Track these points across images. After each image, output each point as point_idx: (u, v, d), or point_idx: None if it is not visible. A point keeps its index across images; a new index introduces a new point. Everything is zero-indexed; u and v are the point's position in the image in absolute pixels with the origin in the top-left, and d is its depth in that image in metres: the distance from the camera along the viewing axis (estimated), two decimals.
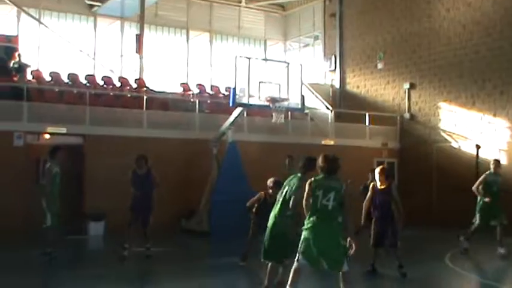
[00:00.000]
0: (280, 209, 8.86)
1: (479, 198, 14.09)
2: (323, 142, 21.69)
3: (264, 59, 21.25)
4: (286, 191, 8.85)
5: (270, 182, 11.26)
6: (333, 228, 7.93)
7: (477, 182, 14.13)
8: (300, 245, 7.93)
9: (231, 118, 17.51)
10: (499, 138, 20.31)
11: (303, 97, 16.83)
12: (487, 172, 14.26)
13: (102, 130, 17.79)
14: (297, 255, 7.97)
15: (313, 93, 25.28)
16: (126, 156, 17.51)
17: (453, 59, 21.92)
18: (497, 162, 14.37)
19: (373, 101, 25.12)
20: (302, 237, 7.93)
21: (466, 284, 11.21)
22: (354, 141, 22.59)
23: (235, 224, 14.98)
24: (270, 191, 11.15)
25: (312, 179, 8.07)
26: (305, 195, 7.99)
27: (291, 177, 9.03)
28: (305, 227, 7.93)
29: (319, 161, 8.20)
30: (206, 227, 17.26)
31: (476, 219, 14.02)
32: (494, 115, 20.51)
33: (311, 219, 7.91)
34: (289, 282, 7.93)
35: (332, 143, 21.93)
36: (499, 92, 20.37)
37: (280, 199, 8.91)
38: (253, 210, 11.82)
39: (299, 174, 8.89)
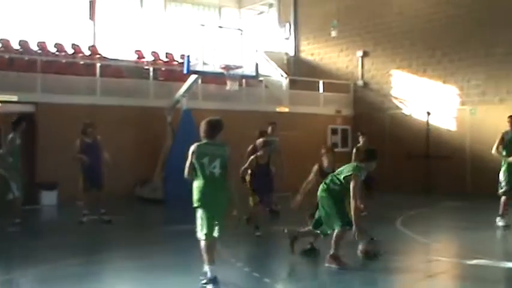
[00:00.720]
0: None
1: (503, 161, 12.87)
2: (277, 109, 21.85)
3: (218, 26, 21.13)
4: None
5: (259, 143, 11.54)
6: (223, 195, 7.82)
7: (496, 144, 12.84)
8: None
9: (185, 86, 17.51)
10: (448, 105, 20.74)
11: (257, 64, 16.90)
12: (503, 131, 12.88)
13: (55, 98, 17.56)
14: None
15: (267, 61, 25.34)
16: (79, 124, 17.48)
17: (406, 27, 22.21)
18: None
19: (327, 69, 25.32)
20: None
21: (413, 245, 11.53)
22: (308, 109, 22.82)
23: (189, 192, 15.10)
24: (261, 152, 11.43)
25: (195, 145, 7.81)
26: (187, 163, 7.81)
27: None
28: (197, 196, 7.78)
29: (201, 126, 7.93)
30: (160, 194, 17.34)
31: (503, 186, 12.82)
32: (444, 82, 20.93)
33: (201, 187, 7.77)
34: None
35: (286, 110, 22.12)
36: (448, 60, 20.78)
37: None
38: (247, 179, 11.66)
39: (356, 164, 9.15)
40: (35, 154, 17.24)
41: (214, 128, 7.91)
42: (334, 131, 23.61)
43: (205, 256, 7.70)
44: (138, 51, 24.34)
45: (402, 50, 22.36)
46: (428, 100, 21.40)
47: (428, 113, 21.13)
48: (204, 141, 7.85)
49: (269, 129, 14.53)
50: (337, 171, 9.16)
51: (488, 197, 16.47)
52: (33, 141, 17.09)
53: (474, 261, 9.34)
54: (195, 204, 7.79)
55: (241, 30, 17.07)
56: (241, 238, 11.22)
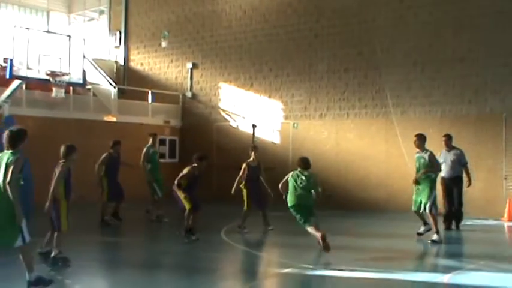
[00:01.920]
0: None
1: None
2: (105, 118, 21.57)
3: (44, 31, 20.49)
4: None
5: (196, 157, 12.71)
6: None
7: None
8: None
9: (8, 91, 16.73)
10: (273, 118, 21.60)
11: (84, 72, 16.53)
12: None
13: None
14: None
15: (96, 69, 24.91)
16: None
17: (234, 42, 22.87)
18: None
19: (156, 79, 25.41)
20: None
21: (235, 255, 11.92)
22: (137, 118, 22.74)
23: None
24: (196, 165, 12.60)
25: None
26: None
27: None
28: None
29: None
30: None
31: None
32: (270, 97, 21.78)
33: None
34: None
35: (114, 119, 21.90)
36: (274, 76, 21.67)
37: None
38: (182, 186, 12.58)
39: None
40: None
41: (15, 137, 7.88)
42: (162, 142, 23.60)
43: None
44: None
45: (230, 64, 22.99)
46: (254, 113, 22.14)
47: (254, 126, 21.84)
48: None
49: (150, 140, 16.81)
50: None
51: None
52: None
53: (287, 270, 9.87)
54: None
55: (70, 36, 16.67)
56: None
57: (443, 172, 14.44)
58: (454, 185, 14.65)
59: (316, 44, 20.65)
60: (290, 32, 21.27)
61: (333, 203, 18.44)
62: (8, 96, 16.81)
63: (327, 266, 10.24)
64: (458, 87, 17.86)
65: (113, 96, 22.97)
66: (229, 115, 23.04)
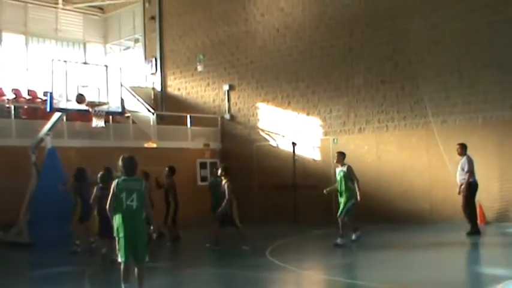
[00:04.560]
0: None
1: None
2: (145, 145, 21.75)
3: (82, 62, 20.88)
4: None
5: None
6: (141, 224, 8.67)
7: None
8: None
9: (49, 124, 17.06)
10: (312, 135, 21.52)
11: (122, 100, 16.73)
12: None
13: None
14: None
15: (134, 96, 25.17)
16: None
17: (269, 61, 22.91)
18: None
19: (194, 103, 25.58)
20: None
21: (284, 275, 11.81)
22: (177, 143, 22.86)
23: (57, 233, 14.69)
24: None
25: (116, 182, 8.58)
26: (109, 198, 8.56)
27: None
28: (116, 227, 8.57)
29: (119, 163, 8.70)
30: (26, 238, 16.64)
31: None
32: (308, 114, 21.71)
33: (119, 219, 8.52)
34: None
35: (154, 145, 22.05)
36: (311, 92, 21.60)
37: None
38: None
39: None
40: None
41: (130, 164, 8.72)
42: (203, 165, 23.75)
43: (122, 276, 8.54)
44: None
45: (266, 83, 23.01)
46: (293, 131, 22.09)
47: (294, 144, 21.78)
48: (122, 177, 8.63)
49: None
50: None
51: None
52: None
53: None
54: (115, 234, 8.57)
55: (107, 66, 16.93)
56: None
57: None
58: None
59: (351, 58, 20.55)
60: (324, 48, 21.22)
61: (376, 216, 18.28)
62: (50, 129, 17.13)
63: (380, 283, 10.03)
64: (498, 92, 17.52)
65: (152, 123, 23.15)
66: (268, 134, 23.03)
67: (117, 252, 8.57)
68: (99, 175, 13.69)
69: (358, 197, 14.24)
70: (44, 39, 29.02)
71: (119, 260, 8.56)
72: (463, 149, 15.09)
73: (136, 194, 8.51)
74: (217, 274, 12.00)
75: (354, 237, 14.46)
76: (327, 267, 12.36)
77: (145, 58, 27.98)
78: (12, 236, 17.01)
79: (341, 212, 14.23)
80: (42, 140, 17.40)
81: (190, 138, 23.73)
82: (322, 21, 21.36)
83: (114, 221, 8.60)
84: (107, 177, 13.29)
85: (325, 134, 21.27)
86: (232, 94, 24.33)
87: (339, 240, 13.93)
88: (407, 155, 19.21)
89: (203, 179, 23.61)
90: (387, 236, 16.32)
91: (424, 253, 12.97)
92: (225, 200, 14.23)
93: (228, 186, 14.25)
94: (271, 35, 22.94)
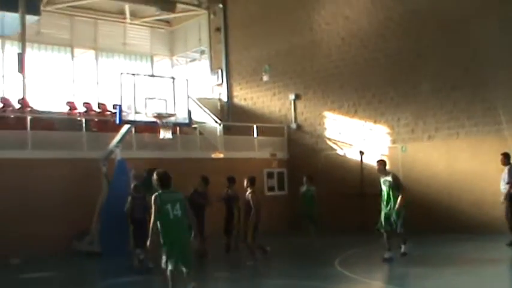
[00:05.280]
0: None
1: None
2: (213, 156, 21.89)
3: (149, 75, 21.22)
4: None
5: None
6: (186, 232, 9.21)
7: None
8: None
9: (119, 136, 17.37)
10: (380, 143, 21.21)
11: (189, 112, 16.89)
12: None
13: None
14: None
15: (201, 108, 25.46)
16: (9, 178, 17.11)
17: (335, 69, 22.74)
18: None
19: (260, 113, 25.61)
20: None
21: (355, 286, 11.63)
22: (244, 153, 22.90)
23: (127, 242, 14.87)
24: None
25: (156, 195, 9.01)
26: (153, 212, 8.94)
27: None
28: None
29: (154, 179, 9.25)
30: (97, 247, 16.99)
31: None
32: (375, 122, 21.43)
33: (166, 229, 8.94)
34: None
35: (221, 156, 22.16)
36: (378, 101, 21.31)
37: None
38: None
39: None
40: None
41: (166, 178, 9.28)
42: (270, 175, 23.74)
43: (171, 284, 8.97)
44: (70, 103, 24.10)
45: (332, 92, 22.85)
46: (360, 140, 21.84)
47: (362, 152, 21.53)
48: (161, 191, 9.12)
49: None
50: None
51: (421, 232, 16.87)
52: None
53: None
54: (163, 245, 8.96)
55: (174, 78, 17.15)
56: None
57: None
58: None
59: (418, 65, 20.16)
60: (390, 55, 20.91)
61: (446, 225, 17.89)
62: (119, 141, 17.45)
63: None
64: None
65: (218, 133, 23.30)
66: (335, 143, 22.83)
67: (164, 261, 8.88)
68: (132, 185, 14.05)
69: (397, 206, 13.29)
70: (113, 54, 29.68)
71: (168, 268, 8.87)
72: (506, 158, 15.11)
73: (179, 203, 9.07)
74: (285, 285, 11.90)
75: (387, 255, 13.40)
76: (398, 277, 12.11)
77: (211, 69, 28.23)
78: (85, 245, 17.39)
79: (400, 226, 13.38)
80: (112, 151, 17.73)
81: (257, 148, 23.74)
82: (388, 28, 21.07)
83: (160, 232, 8.91)
84: (140, 188, 14.10)
85: (393, 142, 20.93)
86: (298, 103, 24.26)
87: (402, 248, 13.52)
88: (479, 162, 18.63)
89: (270, 189, 23.62)
90: (458, 246, 15.91)
91: (497, 266, 12.56)
92: (252, 212, 13.90)
93: (252, 198, 13.98)
94: (336, 43, 22.78)
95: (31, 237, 16.91)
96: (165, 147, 19.96)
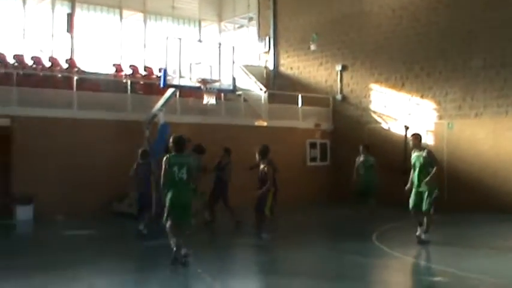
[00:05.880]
0: None
1: None
2: (256, 123, 21.83)
3: (196, 40, 21.15)
4: None
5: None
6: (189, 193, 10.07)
7: None
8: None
9: (163, 99, 17.43)
10: (426, 119, 20.86)
11: (234, 78, 16.83)
12: None
13: (31, 111, 17.34)
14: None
15: (247, 75, 25.36)
16: (55, 138, 17.39)
17: (384, 41, 22.35)
18: None
19: (306, 82, 25.40)
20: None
21: (389, 261, 11.54)
22: (287, 122, 22.80)
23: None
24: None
25: (167, 157, 9.96)
26: (163, 172, 9.90)
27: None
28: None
29: (170, 141, 10.24)
30: (135, 209, 17.12)
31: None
32: (422, 96, 21.05)
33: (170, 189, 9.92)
34: None
35: (265, 124, 22.09)
36: (426, 74, 20.91)
37: None
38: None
39: None
40: (10, 168, 17.05)
41: (180, 142, 10.17)
42: (312, 145, 23.62)
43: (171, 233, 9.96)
44: (116, 65, 24.29)
45: (380, 64, 22.48)
46: (406, 114, 21.50)
47: (407, 127, 21.20)
48: (173, 153, 10.08)
49: None
50: None
51: (464, 211, 16.62)
52: (8, 154, 16.93)
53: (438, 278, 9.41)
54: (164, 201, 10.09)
55: (220, 44, 17.08)
56: None
57: None
58: None
59: (470, 39, 19.65)
60: (442, 29, 20.42)
61: (490, 205, 17.59)
62: (163, 105, 17.52)
63: (484, 275, 9.56)
64: None
65: (263, 101, 23.21)
66: (380, 117, 22.54)
67: (165, 218, 9.92)
68: (140, 151, 14.33)
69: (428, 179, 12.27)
70: (161, 17, 29.65)
71: (167, 224, 9.90)
72: None
73: (186, 167, 9.92)
74: (322, 256, 11.86)
75: (418, 232, 12.61)
76: (433, 255, 11.95)
77: (259, 36, 28.01)
78: (125, 206, 17.58)
79: (429, 207, 12.35)
80: (155, 115, 17.82)
81: (301, 118, 23.59)
82: (440, 2, 20.56)
83: (165, 191, 9.94)
84: (146, 154, 14.32)
85: (440, 118, 20.55)
86: (344, 74, 23.96)
87: (423, 236, 12.47)
88: None
89: (312, 159, 23.51)
90: (499, 227, 15.65)
91: None
92: (267, 185, 13.10)
93: (268, 171, 13.22)
94: (387, 15, 22.34)
95: (75, 196, 17.24)
96: (209, 112, 19.96)
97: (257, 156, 13.39)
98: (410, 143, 13.08)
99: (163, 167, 9.88)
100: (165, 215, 9.95)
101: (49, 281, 9.26)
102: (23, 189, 16.70)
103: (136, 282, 9.34)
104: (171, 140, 10.19)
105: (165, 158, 9.97)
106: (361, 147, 17.38)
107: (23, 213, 16.63)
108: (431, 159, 12.52)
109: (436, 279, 9.71)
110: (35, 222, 16.52)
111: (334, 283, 9.25)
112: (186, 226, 10.08)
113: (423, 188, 12.41)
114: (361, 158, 17.18)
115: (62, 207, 16.91)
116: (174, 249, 9.88)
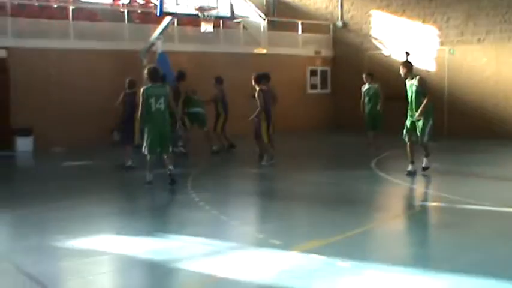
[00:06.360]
0: None
1: None
2: (255, 51, 21.61)
3: None
4: None
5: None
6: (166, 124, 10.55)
7: None
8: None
9: (160, 28, 17.20)
10: (427, 45, 20.59)
11: (231, 5, 16.56)
12: None
13: (27, 42, 17.16)
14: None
15: (246, 2, 24.89)
16: (52, 68, 17.25)
17: None
18: None
19: (306, 9, 24.99)
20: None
21: (387, 187, 11.59)
22: (287, 50, 22.59)
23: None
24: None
25: (144, 89, 10.36)
26: (140, 104, 10.35)
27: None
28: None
29: (145, 73, 10.68)
30: (138, 139, 17.12)
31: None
32: (423, 22, 20.72)
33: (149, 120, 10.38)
34: None
35: (264, 51, 21.87)
36: None
37: None
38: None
39: None
40: (8, 99, 16.96)
41: (155, 73, 10.62)
42: (313, 72, 23.45)
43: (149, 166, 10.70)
44: None
45: None
46: (407, 40, 21.21)
47: (407, 53, 20.89)
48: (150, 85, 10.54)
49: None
50: None
51: (464, 138, 16.60)
52: (5, 86, 16.82)
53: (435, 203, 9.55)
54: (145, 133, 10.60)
55: None
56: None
57: None
58: None
59: None
60: None
61: (491, 132, 17.56)
62: (160, 33, 17.29)
63: (479, 201, 9.57)
64: None
65: (262, 29, 22.88)
66: (381, 43, 22.26)
67: (144, 147, 10.45)
68: (127, 80, 13.62)
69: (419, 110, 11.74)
70: None
71: (147, 153, 10.48)
72: None
73: (163, 98, 10.39)
74: (318, 183, 11.89)
75: (410, 168, 12.03)
76: (431, 181, 11.97)
77: None
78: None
79: (424, 138, 11.86)
80: (153, 44, 17.61)
81: (301, 45, 23.32)
82: None
83: (143, 122, 10.40)
84: (134, 83, 13.65)
85: (441, 44, 20.29)
86: (345, 1, 23.54)
87: (424, 162, 12.11)
88: None
89: (313, 86, 23.39)
90: (496, 152, 15.71)
91: None
92: (257, 110, 13.16)
93: (258, 96, 13.13)
94: None
95: (74, 127, 17.24)
96: (208, 41, 19.73)
97: (253, 83, 13.35)
98: (401, 72, 12.25)
99: (140, 98, 10.33)
100: (144, 145, 10.47)
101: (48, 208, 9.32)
102: (22, 120, 16.67)
103: (133, 211, 9.39)
104: (145, 71, 10.64)
105: (142, 90, 10.36)
106: (364, 75, 16.93)
107: (23, 144, 16.66)
108: (422, 88, 11.91)
109: (429, 203, 9.78)
110: (34, 153, 16.56)
111: (338, 208, 9.24)
112: (165, 152, 10.64)
113: (417, 118, 11.90)
114: (365, 87, 16.79)
115: (60, 139, 16.93)
116: (148, 179, 10.67)
